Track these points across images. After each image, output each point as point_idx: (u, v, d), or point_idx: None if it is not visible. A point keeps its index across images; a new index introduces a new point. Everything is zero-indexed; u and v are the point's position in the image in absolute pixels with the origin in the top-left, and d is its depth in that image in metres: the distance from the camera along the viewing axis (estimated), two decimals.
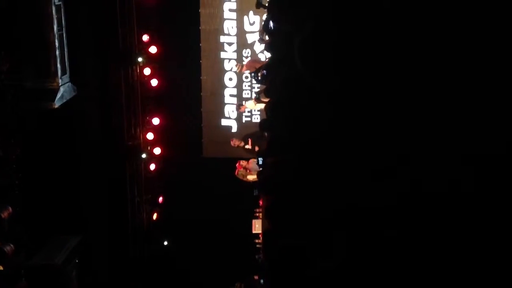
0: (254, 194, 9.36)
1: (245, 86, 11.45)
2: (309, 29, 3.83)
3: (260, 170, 8.19)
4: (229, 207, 10.77)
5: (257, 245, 10.01)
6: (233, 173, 10.29)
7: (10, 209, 7.06)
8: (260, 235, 9.87)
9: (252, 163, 9.89)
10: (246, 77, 11.23)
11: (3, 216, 7.00)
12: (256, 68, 9.51)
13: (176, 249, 11.46)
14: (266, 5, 8.12)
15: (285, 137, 5.81)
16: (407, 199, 3.04)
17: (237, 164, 10.19)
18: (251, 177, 9.90)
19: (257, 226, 10.08)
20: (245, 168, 10.00)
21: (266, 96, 7.32)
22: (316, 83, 3.90)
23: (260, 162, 8.69)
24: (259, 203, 10.02)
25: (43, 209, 9.16)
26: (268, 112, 6.40)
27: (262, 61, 10.12)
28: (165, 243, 11.61)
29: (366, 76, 3.42)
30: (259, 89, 11.19)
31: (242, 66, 10.58)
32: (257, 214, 10.20)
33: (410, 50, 2.98)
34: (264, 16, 9.10)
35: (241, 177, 10.15)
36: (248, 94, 11.47)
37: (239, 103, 10.95)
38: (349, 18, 3.22)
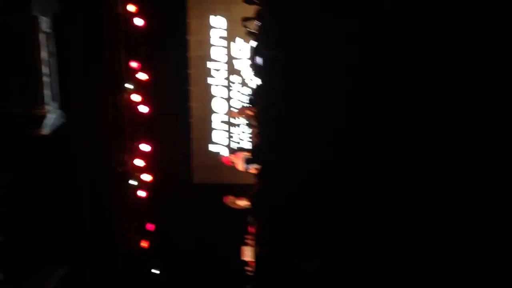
0: (248, 220, 9.28)
1: (234, 110, 11.48)
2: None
3: (252, 195, 8.17)
4: (219, 232, 10.69)
5: (248, 273, 9.91)
6: (222, 199, 10.22)
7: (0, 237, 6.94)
8: (250, 263, 9.78)
9: (240, 157, 9.74)
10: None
11: None
12: (248, 114, 9.51)
13: (166, 277, 11.31)
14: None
15: (276, 164, 5.80)
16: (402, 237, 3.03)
17: (223, 158, 10.01)
18: (242, 203, 9.83)
19: (246, 253, 9.99)
20: (233, 162, 9.88)
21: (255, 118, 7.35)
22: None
23: (248, 167, 8.63)
24: (249, 230, 9.95)
25: (30, 237, 9.03)
26: (256, 143, 6.40)
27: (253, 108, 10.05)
28: (155, 271, 11.46)
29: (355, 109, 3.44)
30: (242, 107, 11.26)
31: (235, 113, 10.48)
32: (247, 241, 10.11)
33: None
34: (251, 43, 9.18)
35: (231, 204, 10.07)
36: (237, 120, 11.49)
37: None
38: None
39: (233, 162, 9.73)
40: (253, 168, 9.31)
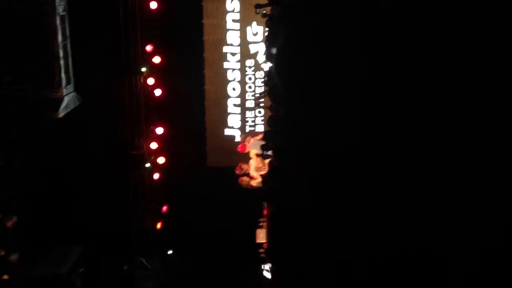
0: (262, 203, 9.33)
1: (248, 95, 11.49)
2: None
3: (265, 179, 8.20)
4: (233, 216, 10.76)
5: (261, 255, 9.97)
6: (237, 182, 10.26)
7: (15, 218, 7.07)
8: (264, 245, 9.84)
9: (253, 143, 9.68)
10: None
11: (7, 225, 7.01)
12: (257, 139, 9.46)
13: (179, 258, 11.43)
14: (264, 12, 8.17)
15: (289, 145, 5.81)
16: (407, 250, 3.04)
17: (237, 169, 10.03)
18: (255, 183, 9.84)
19: (261, 236, 10.04)
20: (247, 173, 9.90)
21: (270, 99, 7.34)
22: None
23: (265, 154, 8.63)
24: (263, 212, 9.99)
25: (46, 219, 9.17)
26: (271, 124, 6.41)
27: (261, 133, 9.92)
28: (169, 252, 11.60)
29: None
30: (259, 95, 11.26)
31: (245, 137, 10.25)
32: (261, 224, 10.17)
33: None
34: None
35: (245, 185, 10.09)
36: (251, 103, 11.51)
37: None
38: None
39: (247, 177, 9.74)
40: (261, 173, 9.32)
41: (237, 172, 9.87)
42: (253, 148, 9.65)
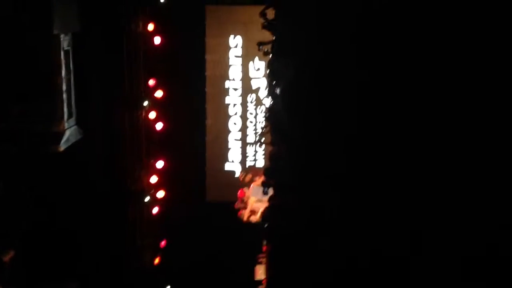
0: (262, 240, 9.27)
1: (249, 130, 11.53)
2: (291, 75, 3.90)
3: (265, 217, 8.15)
4: (232, 252, 10.67)
5: None
6: (236, 218, 10.19)
7: (12, 253, 7.02)
8: (263, 282, 9.73)
9: (253, 189, 9.71)
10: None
11: (5, 259, 6.94)
12: (259, 176, 9.48)
13: None
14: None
15: (290, 182, 5.79)
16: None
17: (238, 193, 9.98)
18: (255, 219, 9.80)
19: (260, 272, 9.95)
20: (245, 202, 9.84)
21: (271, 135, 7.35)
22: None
23: (265, 190, 8.61)
24: (262, 249, 9.92)
25: (44, 252, 9.08)
26: (272, 160, 6.40)
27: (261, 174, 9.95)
28: None
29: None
30: (262, 131, 11.27)
31: (246, 175, 10.35)
32: (260, 260, 10.08)
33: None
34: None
35: (244, 219, 10.01)
36: (252, 138, 11.54)
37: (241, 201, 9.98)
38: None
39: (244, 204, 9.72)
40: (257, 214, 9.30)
41: (236, 206, 9.86)
42: (253, 195, 9.65)
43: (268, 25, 7.17)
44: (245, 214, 9.86)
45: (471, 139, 2.95)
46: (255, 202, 9.61)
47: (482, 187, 2.87)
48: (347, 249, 3.58)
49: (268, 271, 8.70)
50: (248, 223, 9.86)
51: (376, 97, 3.37)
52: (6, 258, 6.89)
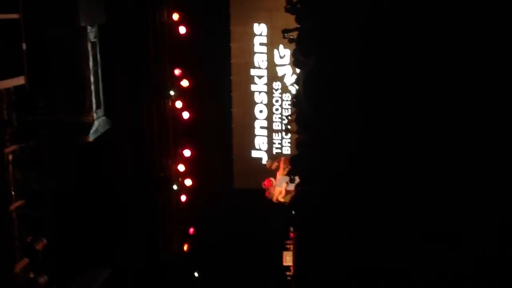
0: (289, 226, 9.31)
1: (275, 118, 11.54)
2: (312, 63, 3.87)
3: (292, 204, 8.17)
4: (260, 238, 10.75)
5: (288, 278, 9.92)
6: (264, 204, 10.23)
7: (45, 241, 7.18)
8: (291, 267, 9.78)
9: (279, 180, 9.76)
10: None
11: (37, 247, 7.10)
12: (287, 163, 9.48)
13: (207, 281, 11.44)
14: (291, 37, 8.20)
15: (316, 170, 5.80)
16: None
17: (265, 183, 10.02)
18: (282, 198, 9.81)
19: (287, 259, 10.00)
20: (273, 187, 9.87)
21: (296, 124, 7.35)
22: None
23: (292, 178, 8.65)
24: (290, 235, 9.96)
25: (75, 241, 9.28)
26: (298, 148, 6.40)
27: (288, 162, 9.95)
28: (196, 274, 11.61)
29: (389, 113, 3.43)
30: (289, 119, 11.26)
31: (273, 162, 10.40)
32: (288, 246, 10.13)
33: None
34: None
35: (272, 197, 10.01)
36: (278, 126, 11.55)
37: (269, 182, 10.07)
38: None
39: (270, 192, 9.76)
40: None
41: (266, 185, 9.90)
42: (279, 186, 9.68)
43: (291, 8, 7.08)
44: (274, 195, 9.86)
45: (480, 137, 2.93)
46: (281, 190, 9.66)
47: (486, 184, 2.85)
48: (369, 239, 3.59)
49: (295, 257, 8.74)
50: (278, 204, 9.86)
51: (390, 91, 3.36)
52: (39, 246, 7.05)
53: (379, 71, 3.34)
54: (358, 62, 3.47)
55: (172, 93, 10.81)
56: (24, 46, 6.59)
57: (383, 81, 3.32)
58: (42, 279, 7.21)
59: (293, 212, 7.90)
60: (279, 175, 9.81)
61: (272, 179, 9.88)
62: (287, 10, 7.35)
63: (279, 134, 11.61)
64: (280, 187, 9.55)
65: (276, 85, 11.39)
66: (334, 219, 4.86)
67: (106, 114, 9.37)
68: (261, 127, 11.60)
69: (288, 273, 9.92)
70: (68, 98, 8.59)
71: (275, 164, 10.03)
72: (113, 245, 10.06)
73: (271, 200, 9.97)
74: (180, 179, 11.28)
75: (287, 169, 9.47)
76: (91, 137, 8.77)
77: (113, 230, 10.14)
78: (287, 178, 9.29)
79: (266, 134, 11.60)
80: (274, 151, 11.62)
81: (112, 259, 9.92)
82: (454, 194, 2.99)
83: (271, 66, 11.30)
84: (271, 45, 11.18)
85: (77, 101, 8.64)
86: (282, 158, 10.18)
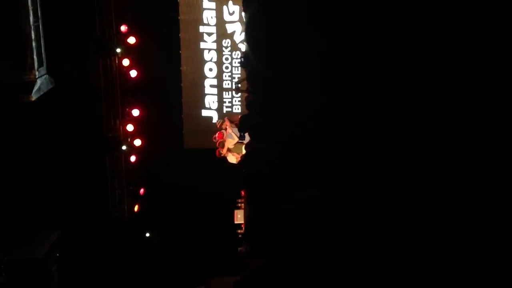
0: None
1: (225, 76, 11.42)
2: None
3: (242, 162, 8.17)
4: (211, 197, 10.76)
5: (239, 236, 10.01)
6: (215, 163, 10.21)
7: None
8: (242, 225, 9.87)
9: (229, 134, 9.73)
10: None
11: None
12: (236, 122, 9.38)
13: (158, 241, 11.44)
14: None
15: (267, 127, 5.77)
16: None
17: (216, 136, 9.97)
18: (231, 159, 9.81)
19: (239, 217, 10.07)
20: (225, 139, 9.82)
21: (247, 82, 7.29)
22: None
23: (242, 136, 8.65)
24: (241, 193, 10.01)
25: (22, 204, 9.07)
26: (247, 106, 6.35)
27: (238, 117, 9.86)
28: (147, 235, 11.59)
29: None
30: (239, 79, 11.16)
31: (223, 122, 10.21)
32: (239, 205, 10.20)
33: None
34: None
35: (223, 152, 9.93)
36: (228, 84, 11.44)
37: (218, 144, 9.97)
38: None
39: (221, 152, 9.71)
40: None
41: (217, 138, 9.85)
42: (230, 137, 9.63)
43: None
44: (222, 151, 9.83)
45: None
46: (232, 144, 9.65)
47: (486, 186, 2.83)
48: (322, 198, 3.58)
49: (246, 215, 8.81)
50: (228, 163, 9.85)
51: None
52: None
53: (331, 14, 3.24)
54: (306, 4, 3.36)
55: (118, 50, 10.49)
56: None
57: (338, 25, 3.22)
58: None
59: (243, 170, 7.93)
60: (228, 130, 9.76)
61: (223, 131, 9.81)
62: None
63: (229, 92, 11.51)
64: (232, 138, 9.52)
65: (226, 42, 11.22)
66: (286, 178, 4.87)
67: (49, 72, 9.03)
68: (211, 86, 11.46)
69: (239, 231, 10.01)
70: (8, 56, 8.21)
71: (226, 122, 9.97)
72: (62, 207, 9.88)
73: (221, 160, 9.94)
74: (129, 139, 11.10)
75: (234, 124, 9.46)
76: (34, 97, 8.45)
77: (61, 192, 9.95)
78: (236, 131, 9.25)
79: (216, 92, 11.47)
80: (225, 109, 11.54)
81: (61, 221, 9.77)
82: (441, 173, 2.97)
83: (221, 23, 11.10)
84: (220, 1, 10.96)
85: (17, 59, 8.27)
86: (226, 118, 10.11)
